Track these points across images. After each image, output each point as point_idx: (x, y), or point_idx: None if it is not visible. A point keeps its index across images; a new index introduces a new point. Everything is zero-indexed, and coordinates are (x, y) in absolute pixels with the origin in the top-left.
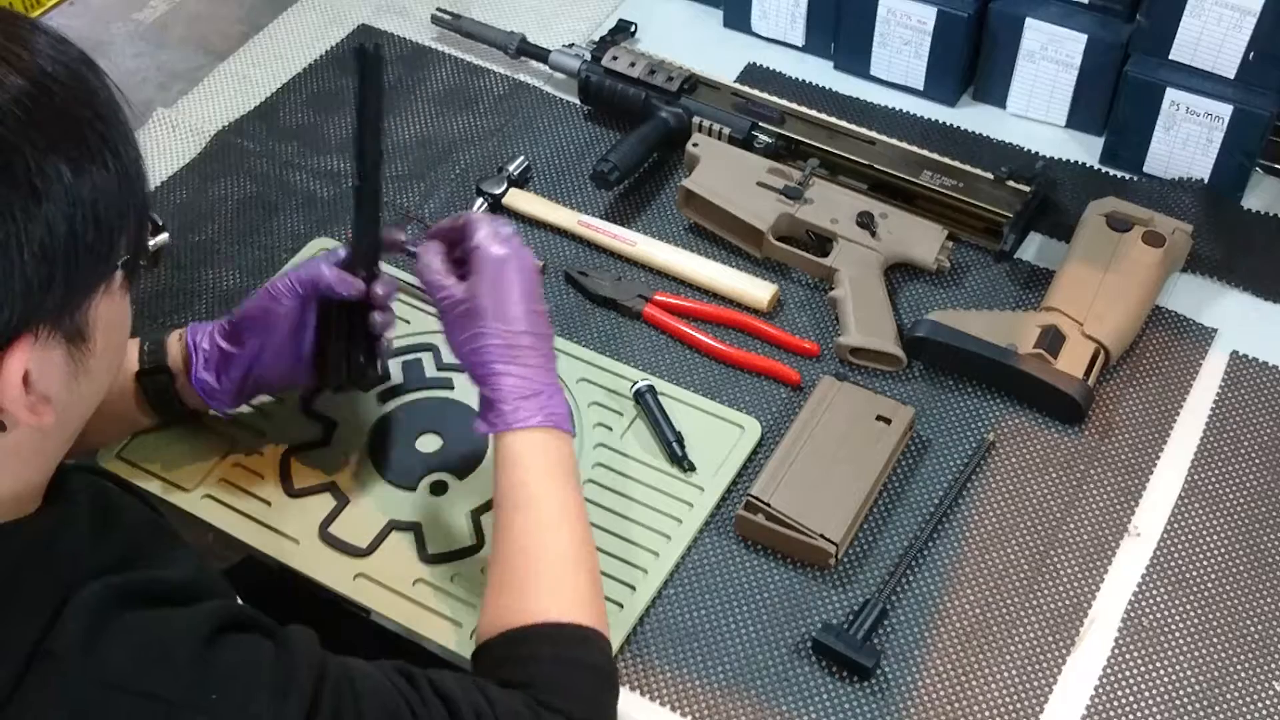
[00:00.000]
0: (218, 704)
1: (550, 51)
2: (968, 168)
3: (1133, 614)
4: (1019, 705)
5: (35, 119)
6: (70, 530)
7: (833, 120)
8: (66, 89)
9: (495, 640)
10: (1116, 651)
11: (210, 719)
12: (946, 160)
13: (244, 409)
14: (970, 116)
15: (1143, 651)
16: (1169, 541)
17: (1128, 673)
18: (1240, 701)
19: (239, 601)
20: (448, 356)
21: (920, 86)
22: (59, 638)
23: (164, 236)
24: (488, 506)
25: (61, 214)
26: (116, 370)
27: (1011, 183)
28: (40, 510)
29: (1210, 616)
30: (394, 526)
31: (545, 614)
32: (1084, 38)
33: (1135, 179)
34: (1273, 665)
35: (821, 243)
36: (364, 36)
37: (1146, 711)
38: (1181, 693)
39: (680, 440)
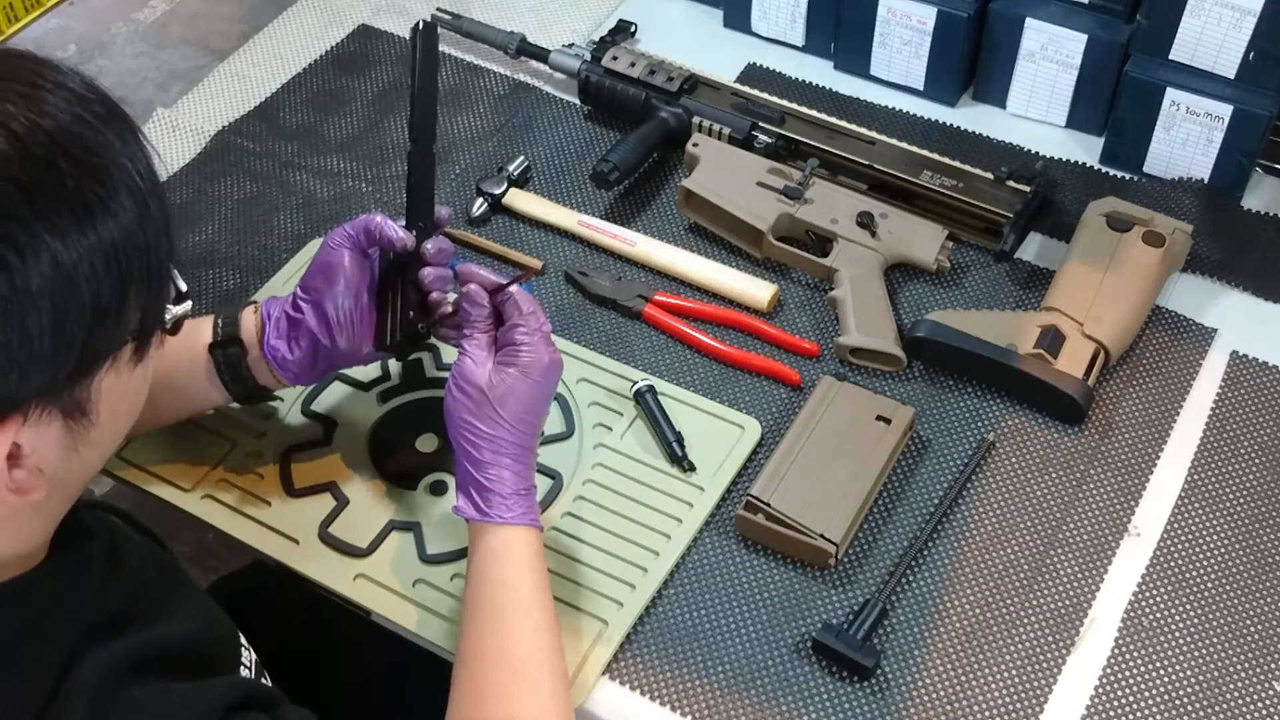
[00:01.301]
0: None
1: (550, 51)
2: (968, 168)
3: (1133, 614)
4: (1019, 705)
5: (21, 192)
6: (74, 584)
7: (833, 120)
8: (65, 153)
9: None
10: (1116, 651)
11: None
12: (946, 160)
13: (253, 410)
14: (970, 116)
15: (1143, 651)
16: (1169, 541)
17: (1128, 673)
18: (1240, 701)
19: (241, 639)
20: (448, 356)
21: (920, 86)
22: (60, 716)
23: (186, 305)
24: None
25: (48, 293)
26: (123, 435)
27: (1011, 183)
28: (46, 562)
29: (1210, 616)
30: (394, 526)
31: (524, 719)
32: (1084, 38)
33: (1135, 179)
34: (1273, 665)
35: (821, 243)
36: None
37: (1146, 711)
38: (1181, 693)
39: (680, 440)
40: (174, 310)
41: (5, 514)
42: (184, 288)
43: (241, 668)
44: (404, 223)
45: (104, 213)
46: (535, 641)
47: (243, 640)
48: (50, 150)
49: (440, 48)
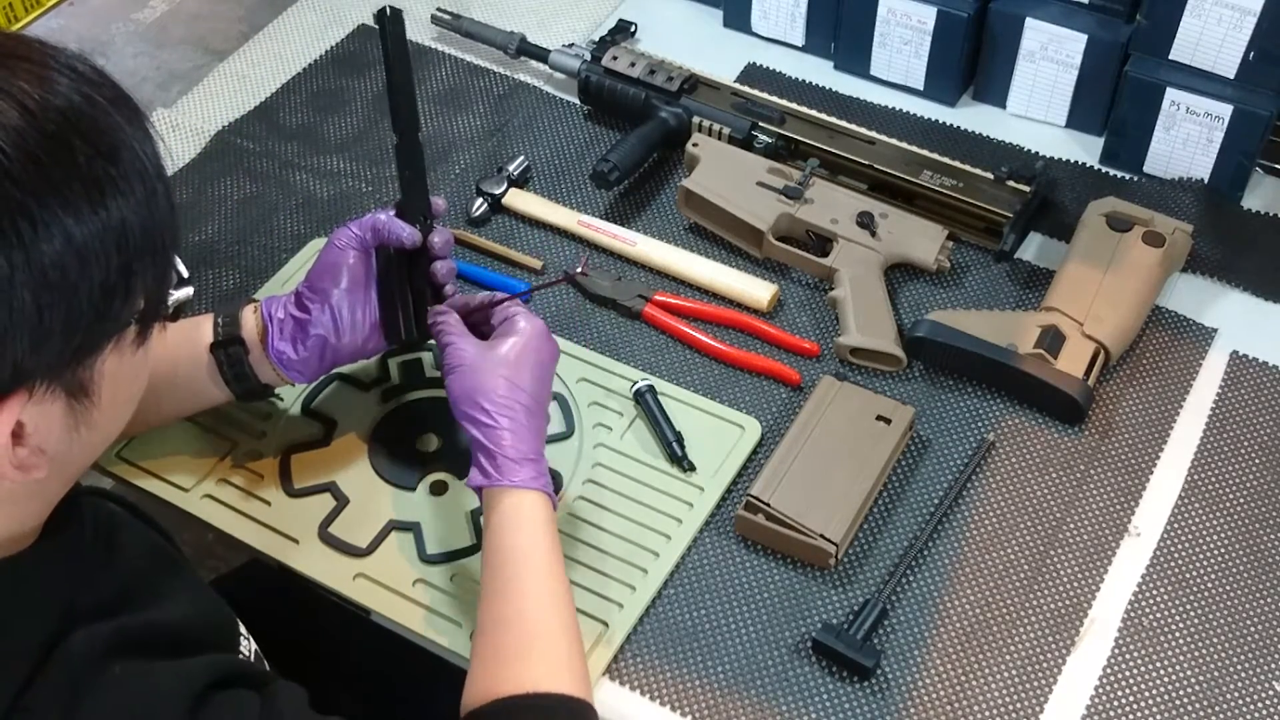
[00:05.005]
0: None
1: (550, 51)
2: (968, 168)
3: (1133, 614)
4: (1019, 705)
5: (36, 166)
6: (65, 567)
7: (833, 120)
8: (78, 132)
9: (486, 709)
10: (1116, 651)
11: None
12: (946, 160)
13: (251, 406)
14: (970, 116)
15: (1143, 651)
16: (1169, 541)
17: (1128, 673)
18: (1240, 701)
19: (241, 629)
20: None
21: (920, 86)
22: (41, 695)
23: (187, 291)
24: None
25: (60, 268)
26: (126, 420)
27: (1011, 183)
28: (35, 545)
29: (1210, 616)
30: (394, 526)
31: (537, 684)
32: (1084, 38)
33: (1135, 179)
34: (1273, 665)
35: (821, 243)
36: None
37: (1146, 711)
38: (1181, 693)
39: (680, 440)
40: (175, 295)
41: (3, 493)
42: (185, 274)
43: (239, 655)
44: (399, 212)
45: (115, 192)
46: (551, 609)
47: (243, 630)
48: (63, 128)
49: (439, 47)
